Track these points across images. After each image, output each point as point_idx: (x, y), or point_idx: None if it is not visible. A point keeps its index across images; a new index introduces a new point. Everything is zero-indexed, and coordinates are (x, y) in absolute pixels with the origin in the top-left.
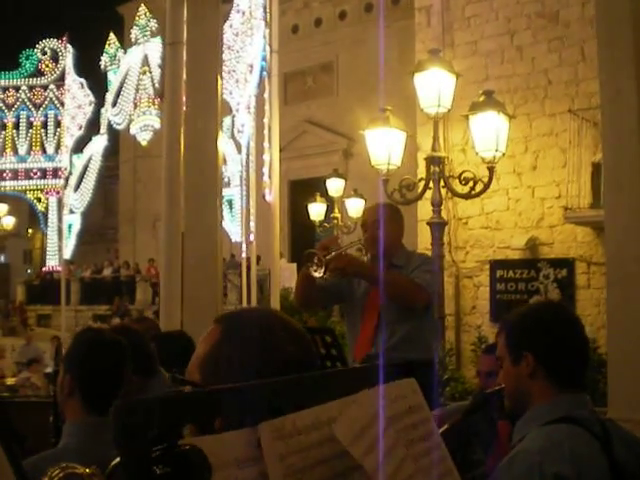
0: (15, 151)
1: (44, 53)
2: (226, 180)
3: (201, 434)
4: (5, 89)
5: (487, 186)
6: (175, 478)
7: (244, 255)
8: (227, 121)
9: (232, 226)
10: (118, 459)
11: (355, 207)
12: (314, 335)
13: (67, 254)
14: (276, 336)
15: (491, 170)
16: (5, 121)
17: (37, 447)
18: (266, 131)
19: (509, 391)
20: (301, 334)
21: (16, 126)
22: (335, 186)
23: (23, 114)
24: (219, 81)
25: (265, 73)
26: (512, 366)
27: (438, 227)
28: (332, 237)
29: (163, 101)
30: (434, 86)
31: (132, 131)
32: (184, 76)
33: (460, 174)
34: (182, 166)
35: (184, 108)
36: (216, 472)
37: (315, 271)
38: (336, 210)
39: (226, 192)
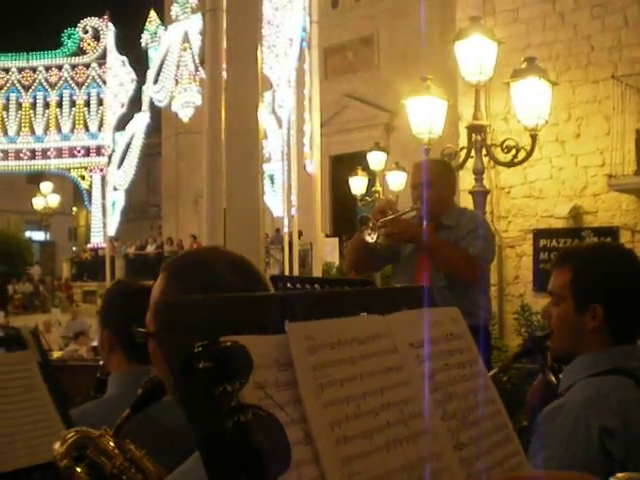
0: (59, 129)
1: (86, 32)
2: (267, 155)
3: None
4: (48, 68)
5: (530, 154)
6: (217, 373)
7: (286, 230)
8: (268, 96)
9: (274, 201)
10: (128, 411)
11: (396, 181)
12: (354, 287)
13: (111, 231)
14: (215, 270)
15: (534, 138)
16: (49, 100)
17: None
18: (306, 102)
19: (561, 336)
20: (245, 265)
21: (59, 105)
22: (377, 159)
23: (66, 93)
24: (259, 50)
25: (305, 44)
26: (575, 313)
27: (480, 196)
28: (389, 201)
29: (204, 68)
30: (475, 54)
31: (173, 108)
32: (224, 44)
33: (502, 142)
34: (223, 142)
35: (224, 77)
36: (257, 371)
37: (369, 235)
38: (377, 184)
39: (267, 167)
